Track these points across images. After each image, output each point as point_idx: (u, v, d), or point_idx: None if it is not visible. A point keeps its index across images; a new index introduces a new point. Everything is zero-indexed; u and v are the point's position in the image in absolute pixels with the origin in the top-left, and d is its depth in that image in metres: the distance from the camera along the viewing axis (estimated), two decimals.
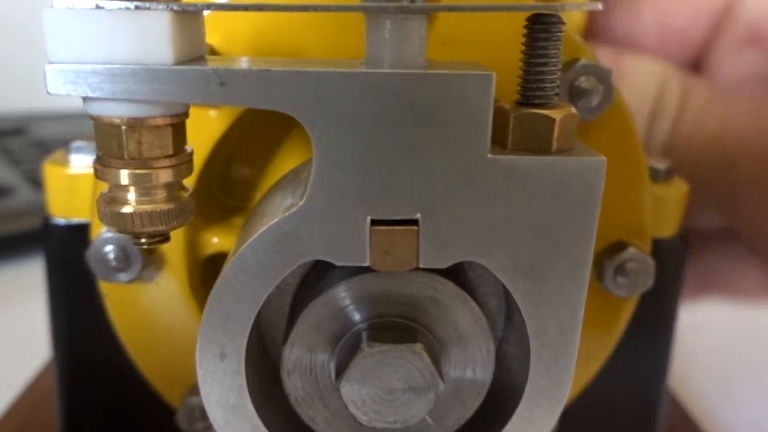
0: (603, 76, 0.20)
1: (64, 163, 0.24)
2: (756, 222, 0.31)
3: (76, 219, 0.24)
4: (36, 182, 0.61)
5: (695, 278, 0.33)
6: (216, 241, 0.23)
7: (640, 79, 0.33)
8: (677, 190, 0.25)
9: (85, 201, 0.23)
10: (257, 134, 0.23)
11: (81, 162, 0.24)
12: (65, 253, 0.24)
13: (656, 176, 0.24)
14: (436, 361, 0.16)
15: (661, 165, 0.25)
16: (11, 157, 0.68)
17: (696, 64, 0.36)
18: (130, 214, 0.15)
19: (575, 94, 0.20)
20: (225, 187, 0.25)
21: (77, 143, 0.24)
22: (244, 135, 0.23)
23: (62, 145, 0.24)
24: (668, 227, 0.25)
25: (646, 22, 0.35)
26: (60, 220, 0.24)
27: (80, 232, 0.23)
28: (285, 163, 0.25)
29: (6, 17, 0.81)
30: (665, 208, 0.24)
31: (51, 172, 0.24)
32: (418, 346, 0.16)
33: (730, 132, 0.30)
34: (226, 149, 0.23)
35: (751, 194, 0.30)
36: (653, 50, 0.35)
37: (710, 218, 0.32)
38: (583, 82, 0.20)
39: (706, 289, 0.35)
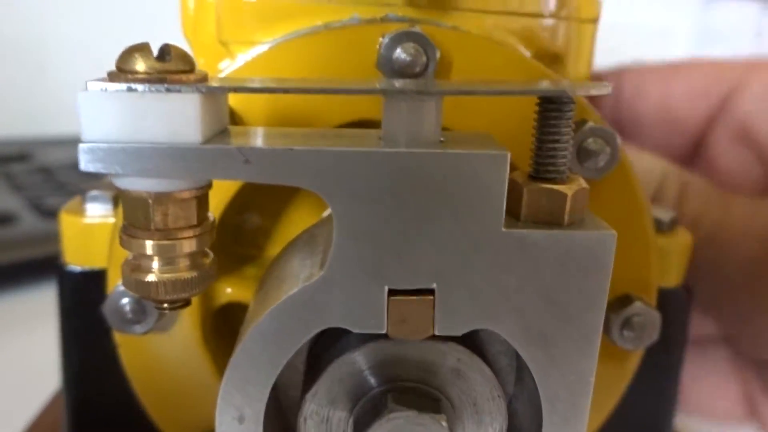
0: (609, 138, 0.21)
1: (80, 212, 0.24)
2: (739, 325, 0.31)
3: (91, 266, 0.24)
4: (40, 209, 0.60)
5: None
6: (229, 291, 0.24)
7: (640, 174, 0.33)
8: (681, 240, 0.25)
9: (100, 249, 0.24)
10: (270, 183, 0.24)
11: (96, 211, 0.24)
12: (80, 299, 0.24)
13: (660, 227, 0.25)
14: (453, 429, 0.17)
15: (665, 216, 0.25)
16: (15, 183, 0.68)
17: (694, 152, 0.36)
18: (155, 282, 0.16)
19: (583, 155, 0.21)
20: (237, 236, 0.25)
21: (93, 192, 0.25)
22: (257, 184, 0.24)
23: (66, 170, 0.24)
24: (673, 277, 0.25)
25: (650, 106, 0.35)
26: (75, 267, 0.24)
27: (95, 279, 0.24)
28: (297, 212, 0.26)
29: (11, 44, 0.82)
30: (670, 259, 0.25)
31: (67, 221, 0.24)
32: (442, 417, 0.16)
33: (722, 236, 0.30)
34: (239, 199, 0.24)
35: (736, 297, 0.31)
36: (655, 136, 0.35)
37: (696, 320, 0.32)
38: (591, 143, 0.21)
39: (680, 406, 0.35)
